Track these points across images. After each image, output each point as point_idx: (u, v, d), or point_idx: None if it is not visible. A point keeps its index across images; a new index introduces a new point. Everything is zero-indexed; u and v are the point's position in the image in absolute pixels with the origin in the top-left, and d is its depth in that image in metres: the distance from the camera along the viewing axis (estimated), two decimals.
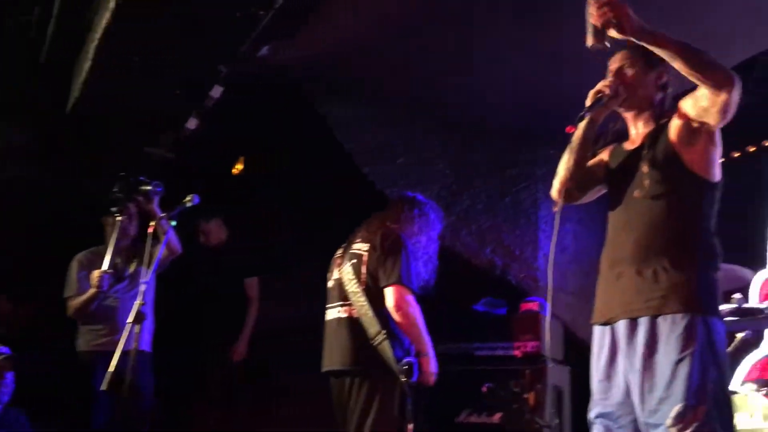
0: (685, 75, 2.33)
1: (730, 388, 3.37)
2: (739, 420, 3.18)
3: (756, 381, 3.72)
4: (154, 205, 4.14)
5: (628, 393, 2.40)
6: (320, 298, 3.79)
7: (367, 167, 5.13)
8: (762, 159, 5.81)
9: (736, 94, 2.33)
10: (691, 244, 2.40)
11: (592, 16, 2.32)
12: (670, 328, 2.29)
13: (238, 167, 6.04)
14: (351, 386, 3.49)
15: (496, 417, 4.58)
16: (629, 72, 2.56)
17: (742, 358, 5.19)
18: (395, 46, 4.54)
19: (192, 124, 4.94)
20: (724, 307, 3.73)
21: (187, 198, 4.02)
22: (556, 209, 2.66)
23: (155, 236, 3.98)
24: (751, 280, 4.45)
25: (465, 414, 4.70)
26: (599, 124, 2.64)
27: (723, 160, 5.94)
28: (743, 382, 3.89)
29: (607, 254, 2.57)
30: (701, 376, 2.24)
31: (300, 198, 5.45)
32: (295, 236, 5.53)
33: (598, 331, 2.55)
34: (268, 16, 3.80)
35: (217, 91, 4.64)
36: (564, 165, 2.67)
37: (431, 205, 3.84)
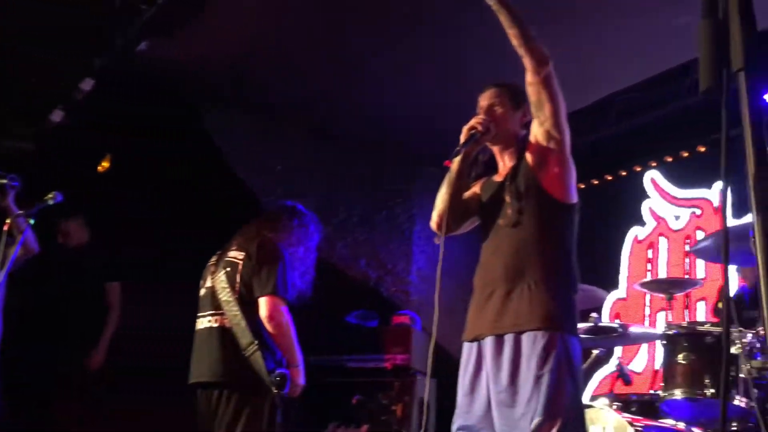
0: (516, 44, 2.59)
1: (584, 401, 3.60)
2: None
3: (607, 395, 3.96)
4: (10, 201, 3.86)
5: (489, 407, 2.52)
6: (191, 306, 3.66)
7: (245, 174, 5.04)
8: (618, 187, 6.24)
9: (553, 77, 2.61)
10: (553, 266, 2.57)
11: None
12: (532, 345, 2.42)
13: (105, 165, 5.74)
14: (219, 398, 3.38)
15: (364, 429, 4.61)
16: (498, 110, 2.76)
17: (595, 373, 5.55)
18: (277, 55, 4.52)
19: (57, 116, 4.65)
20: (581, 326, 3.96)
21: (49, 195, 3.78)
22: (437, 241, 2.79)
23: (10, 234, 3.71)
24: (604, 299, 4.75)
25: (332, 426, 4.70)
26: (471, 159, 2.81)
27: (582, 186, 6.34)
28: (595, 396, 4.13)
29: (480, 276, 2.71)
30: (559, 390, 2.37)
31: (172, 201, 5.25)
32: (164, 241, 5.31)
33: (466, 347, 2.67)
34: (151, 11, 3.66)
35: (88, 84, 4.41)
36: (441, 198, 2.81)
37: (311, 216, 3.81)
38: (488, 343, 2.54)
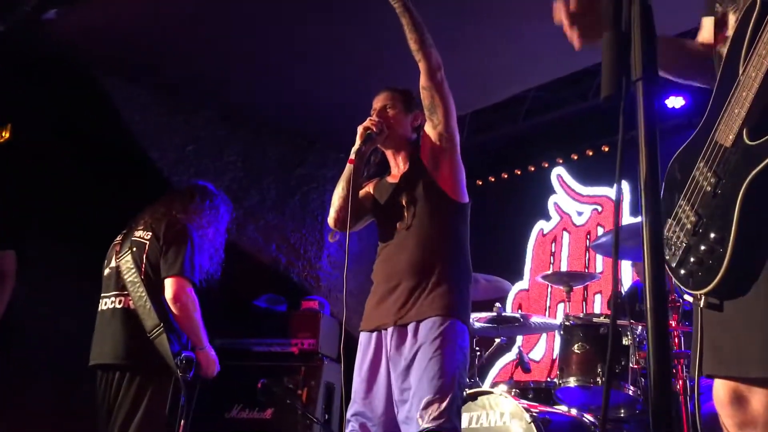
0: (414, 48, 2.77)
1: (484, 388, 3.73)
2: (491, 418, 3.50)
3: (506, 382, 4.11)
4: None
5: (388, 395, 2.65)
6: (93, 286, 3.55)
7: (155, 153, 4.91)
8: (526, 182, 6.45)
9: (445, 82, 2.80)
10: (452, 261, 2.75)
11: None
12: (429, 330, 2.59)
13: (5, 135, 5.45)
14: (121, 381, 3.31)
15: (268, 413, 4.60)
16: (391, 112, 2.94)
17: (495, 361, 5.74)
18: (190, 34, 4.42)
19: None
20: (485, 314, 4.09)
21: None
22: (332, 239, 2.94)
23: None
24: (508, 290, 4.90)
25: (237, 409, 4.66)
26: (366, 158, 2.96)
27: (492, 179, 6.48)
28: (495, 383, 4.28)
29: (382, 270, 2.83)
30: (449, 371, 2.54)
31: (76, 177, 5.04)
32: (67, 217, 5.10)
33: (364, 336, 2.80)
34: None
35: None
36: (340, 195, 2.91)
37: (222, 197, 3.75)
38: (390, 333, 2.67)
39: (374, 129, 2.83)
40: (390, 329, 2.68)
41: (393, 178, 2.97)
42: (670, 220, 1.65)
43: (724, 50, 1.61)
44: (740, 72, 1.48)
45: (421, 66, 2.77)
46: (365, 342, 2.78)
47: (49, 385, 4.59)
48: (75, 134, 4.97)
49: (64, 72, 4.68)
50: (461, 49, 4.79)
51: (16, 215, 4.95)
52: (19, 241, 4.82)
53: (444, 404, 2.48)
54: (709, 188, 1.54)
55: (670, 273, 1.64)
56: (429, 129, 2.85)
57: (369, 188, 3.05)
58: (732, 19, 1.63)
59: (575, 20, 1.56)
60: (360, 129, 2.86)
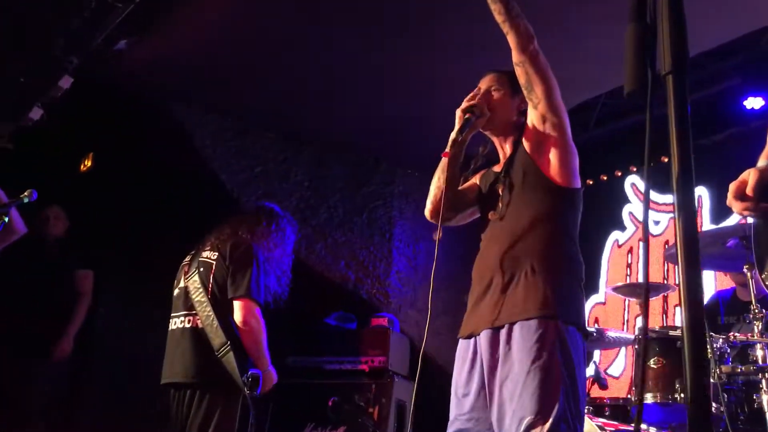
0: (500, 20, 2.49)
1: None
2: None
3: None
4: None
5: (485, 405, 2.32)
6: (165, 306, 3.65)
7: (224, 175, 5.04)
8: (599, 191, 6.26)
9: (540, 54, 2.50)
10: (552, 252, 2.39)
11: None
12: (524, 337, 2.24)
13: (87, 164, 5.71)
14: (192, 399, 3.37)
15: (340, 431, 4.60)
16: (496, 95, 2.65)
17: None
18: (255, 57, 4.52)
19: (36, 114, 4.63)
20: None
21: (25, 193, 3.75)
22: (435, 238, 2.60)
23: None
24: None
25: (309, 427, 4.68)
26: (466, 144, 2.67)
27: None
28: None
29: (477, 267, 2.56)
30: (550, 387, 2.16)
31: (150, 201, 5.23)
32: (141, 240, 5.29)
33: (462, 344, 2.49)
34: (127, 9, 3.64)
35: (66, 82, 4.38)
36: (435, 185, 2.70)
37: (288, 219, 3.79)
38: (483, 337, 2.36)
39: (474, 111, 2.55)
40: (483, 333, 2.36)
41: (498, 166, 2.70)
42: None
43: None
44: None
45: (510, 39, 2.49)
46: (463, 350, 2.47)
47: (128, 400, 4.74)
48: (150, 161, 5.16)
49: (138, 101, 4.87)
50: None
51: (97, 239, 5.17)
52: (97, 263, 5.03)
53: (547, 426, 2.11)
54: None
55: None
56: (530, 111, 2.52)
57: (476, 179, 2.77)
58: None
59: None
60: (458, 112, 2.58)
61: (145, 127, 4.99)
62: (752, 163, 1.63)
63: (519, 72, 2.51)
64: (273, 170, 5.26)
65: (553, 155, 2.49)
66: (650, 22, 0.95)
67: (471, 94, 2.65)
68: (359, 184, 5.60)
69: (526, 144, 2.55)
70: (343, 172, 5.55)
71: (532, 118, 2.53)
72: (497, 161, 2.74)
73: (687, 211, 0.89)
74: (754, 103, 5.05)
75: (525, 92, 2.52)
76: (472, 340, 2.41)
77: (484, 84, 2.70)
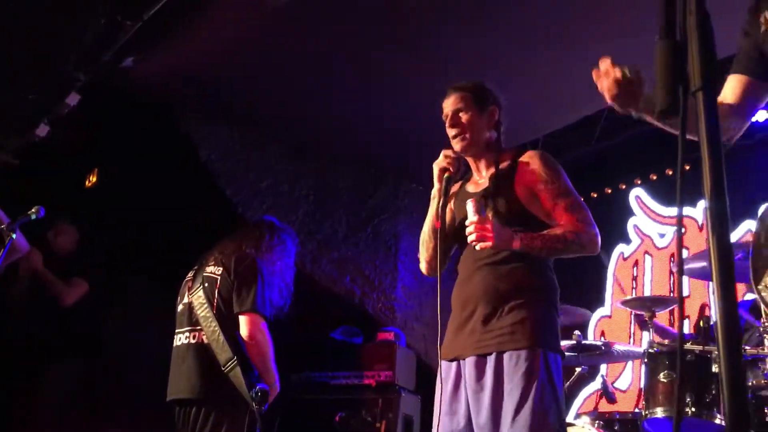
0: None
1: (567, 420, 3.59)
2: None
3: (590, 413, 3.95)
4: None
5: (470, 428, 2.44)
6: (169, 321, 3.64)
7: (229, 189, 5.04)
8: (604, 204, 6.26)
9: (597, 236, 2.59)
10: (535, 284, 2.51)
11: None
12: (515, 365, 2.36)
13: (92, 179, 5.73)
14: (197, 416, 3.35)
15: None
16: (464, 117, 2.63)
17: (579, 391, 5.54)
18: (261, 70, 4.53)
19: (43, 131, 4.64)
20: (564, 343, 3.96)
21: (32, 210, 3.75)
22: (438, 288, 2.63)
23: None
24: (588, 318, 4.73)
25: None
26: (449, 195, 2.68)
27: None
28: (579, 415, 4.13)
29: (459, 294, 2.62)
30: (543, 414, 2.31)
31: (155, 216, 5.24)
32: (146, 254, 5.29)
33: (444, 366, 2.58)
34: (135, 27, 3.66)
35: (73, 99, 4.40)
36: (425, 247, 2.71)
37: (288, 231, 3.78)
38: (469, 363, 2.47)
39: (452, 170, 2.56)
40: (469, 359, 2.47)
41: (474, 185, 2.71)
42: None
43: None
44: None
45: None
46: (445, 371, 2.56)
47: (139, 416, 4.72)
48: (155, 174, 5.17)
49: (144, 115, 4.88)
50: (535, 73, 4.74)
51: (105, 253, 5.18)
52: (105, 277, 5.04)
53: None
54: None
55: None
56: (541, 185, 2.55)
57: (450, 204, 2.74)
58: None
59: (615, 89, 1.66)
60: (436, 170, 2.58)
61: (150, 140, 5.01)
62: (758, 175, 1.66)
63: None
64: (279, 183, 5.26)
65: (541, 202, 2.55)
66: (680, 39, 0.96)
67: (445, 153, 2.60)
68: (364, 197, 5.60)
69: (518, 186, 2.56)
70: (349, 185, 5.55)
71: (539, 180, 2.55)
72: (470, 174, 2.76)
73: (722, 233, 0.89)
74: (758, 116, 5.07)
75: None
76: (454, 364, 2.51)
77: (449, 106, 2.68)
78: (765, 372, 3.30)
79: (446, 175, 2.56)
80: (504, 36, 4.29)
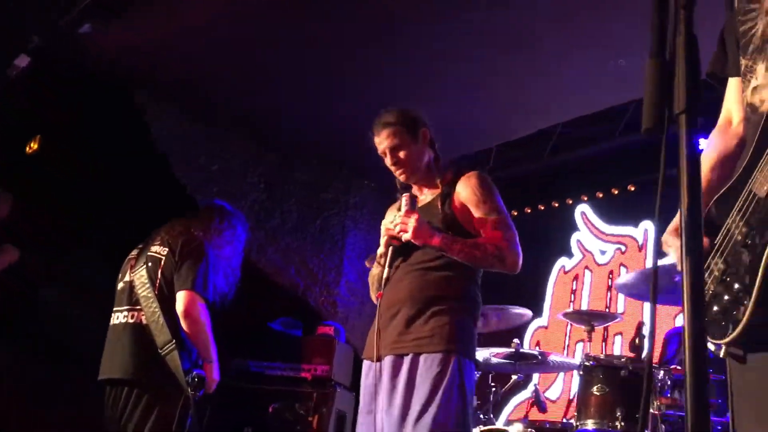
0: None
1: (498, 425, 3.64)
2: None
3: (522, 421, 4.02)
4: None
5: (383, 426, 2.55)
6: (107, 299, 3.54)
7: (180, 169, 4.93)
8: (549, 217, 6.38)
9: (519, 256, 2.68)
10: (459, 293, 2.64)
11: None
12: (428, 367, 2.49)
13: (33, 146, 5.52)
14: (129, 397, 3.27)
15: None
16: (402, 154, 2.75)
17: (511, 397, 5.63)
18: (222, 55, 4.47)
19: None
20: (502, 350, 4.02)
21: None
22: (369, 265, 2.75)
23: None
24: (528, 319, 4.76)
25: None
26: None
27: (515, 213, 6.42)
28: (510, 421, 4.19)
29: (385, 296, 2.71)
30: (447, 414, 2.43)
31: (99, 189, 5.08)
32: (87, 227, 5.12)
33: (366, 365, 2.71)
34: None
35: (23, 61, 4.24)
36: (375, 284, 2.79)
37: (239, 217, 3.73)
38: (387, 362, 2.59)
39: (397, 242, 2.67)
40: (387, 358, 2.59)
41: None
42: None
43: (757, 99, 1.60)
44: None
45: None
46: (366, 370, 2.70)
47: (68, 394, 4.58)
48: (103, 148, 5.02)
49: (97, 87, 4.73)
50: (491, 82, 4.79)
51: (43, 223, 4.99)
52: (44, 247, 4.87)
53: None
54: (739, 237, 1.52)
55: None
56: (475, 203, 2.71)
57: (393, 216, 2.87)
58: (762, 69, 1.60)
59: None
60: (383, 241, 2.71)
61: (100, 113, 4.85)
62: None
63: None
64: (231, 169, 5.18)
65: (476, 218, 2.69)
66: (669, 59, 0.98)
67: (393, 224, 2.68)
68: (317, 190, 5.57)
69: (456, 201, 2.71)
70: (301, 177, 5.51)
71: (475, 220, 2.68)
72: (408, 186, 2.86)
73: (695, 255, 0.91)
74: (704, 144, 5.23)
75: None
76: (377, 363, 2.62)
77: (384, 143, 2.77)
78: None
79: (392, 243, 2.68)
80: (463, 42, 4.33)
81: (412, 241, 2.58)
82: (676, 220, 1.72)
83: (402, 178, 2.79)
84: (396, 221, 2.60)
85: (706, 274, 1.58)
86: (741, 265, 1.49)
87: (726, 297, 1.51)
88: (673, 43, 0.98)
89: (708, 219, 1.64)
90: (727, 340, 1.48)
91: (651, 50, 0.98)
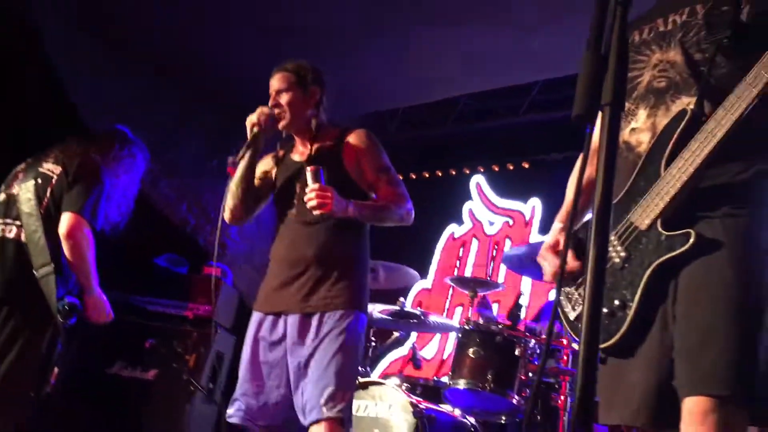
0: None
1: (374, 378, 3.77)
2: (378, 408, 3.54)
3: (397, 375, 4.17)
4: None
5: (285, 380, 2.62)
6: None
7: (77, 97, 4.65)
8: (445, 184, 6.54)
9: (411, 212, 2.84)
10: (361, 253, 2.78)
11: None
12: (337, 322, 2.60)
13: None
14: None
15: (151, 373, 4.46)
16: (286, 97, 2.80)
17: (387, 353, 5.81)
18: None
19: None
20: (387, 308, 4.13)
21: None
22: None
23: None
24: (416, 279, 4.90)
25: (119, 365, 4.50)
26: (259, 153, 2.83)
27: (413, 176, 6.51)
28: (387, 375, 4.33)
29: (287, 253, 2.75)
30: (350, 364, 2.58)
31: None
32: None
33: (259, 317, 2.74)
34: None
35: None
36: (232, 197, 2.83)
37: (140, 146, 3.58)
38: (293, 320, 2.64)
39: (262, 126, 2.72)
40: (293, 316, 2.65)
41: (300, 155, 2.87)
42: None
43: (634, 139, 1.82)
44: (662, 169, 1.70)
45: None
46: (259, 322, 2.73)
47: None
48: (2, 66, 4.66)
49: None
50: (407, 45, 4.82)
51: None
52: None
53: (348, 395, 2.53)
54: (617, 260, 1.75)
55: (564, 322, 1.88)
56: (371, 174, 2.79)
57: (270, 165, 2.93)
58: (643, 115, 1.82)
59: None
60: (248, 124, 2.75)
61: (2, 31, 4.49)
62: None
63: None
64: (134, 101, 4.94)
65: (368, 174, 2.79)
66: (604, 53, 1.04)
67: (261, 109, 2.76)
68: (218, 132, 5.41)
69: (346, 157, 2.77)
70: (207, 119, 5.34)
71: (369, 171, 2.78)
72: (293, 143, 2.91)
73: (601, 241, 0.99)
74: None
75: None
76: (274, 318, 2.69)
77: (273, 85, 2.84)
78: (558, 362, 3.66)
79: (255, 129, 2.72)
80: (388, 7, 4.36)
81: (327, 214, 2.61)
82: (549, 239, 1.90)
83: (280, 124, 2.79)
84: (309, 196, 2.59)
85: (582, 288, 1.74)
86: (618, 287, 1.72)
87: (603, 310, 1.70)
88: (609, 36, 1.04)
89: (579, 240, 1.82)
90: (603, 346, 1.70)
91: (589, 42, 1.03)
